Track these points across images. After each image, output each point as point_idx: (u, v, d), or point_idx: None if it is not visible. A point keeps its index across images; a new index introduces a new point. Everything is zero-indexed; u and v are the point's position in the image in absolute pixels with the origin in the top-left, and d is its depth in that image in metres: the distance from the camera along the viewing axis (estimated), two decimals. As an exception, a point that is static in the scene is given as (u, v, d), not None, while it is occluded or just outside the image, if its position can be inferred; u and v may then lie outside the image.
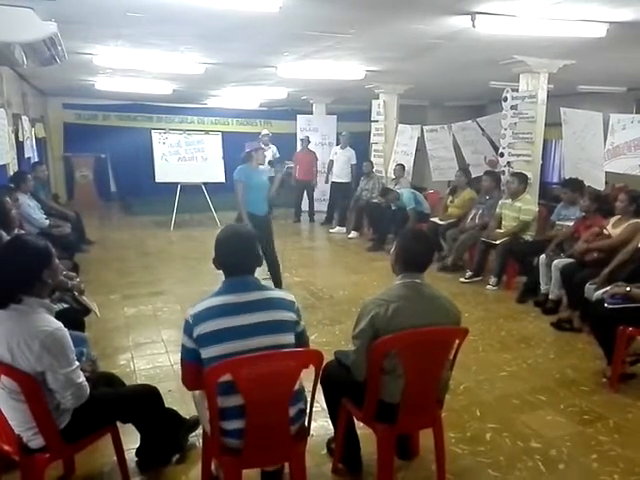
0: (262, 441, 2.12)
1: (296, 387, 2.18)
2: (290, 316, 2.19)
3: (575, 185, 5.45)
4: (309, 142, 10.26)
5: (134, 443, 2.67)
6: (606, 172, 5.71)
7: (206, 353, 2.06)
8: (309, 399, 2.25)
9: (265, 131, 10.36)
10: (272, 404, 2.08)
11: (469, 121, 7.91)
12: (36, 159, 8.34)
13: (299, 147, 10.49)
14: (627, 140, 5.37)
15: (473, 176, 7.50)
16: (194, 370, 2.11)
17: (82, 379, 2.15)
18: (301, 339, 2.25)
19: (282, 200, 8.57)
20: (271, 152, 10.00)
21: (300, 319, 2.26)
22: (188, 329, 2.11)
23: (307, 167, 10.07)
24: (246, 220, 5.15)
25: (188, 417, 2.86)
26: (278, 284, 5.38)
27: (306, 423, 2.27)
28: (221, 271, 2.22)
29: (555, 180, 10.18)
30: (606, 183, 7.35)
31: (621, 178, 6.20)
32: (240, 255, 2.18)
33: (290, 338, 2.17)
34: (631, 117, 5.54)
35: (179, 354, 3.83)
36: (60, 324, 2.11)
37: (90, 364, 2.50)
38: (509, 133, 6.44)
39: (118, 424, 2.46)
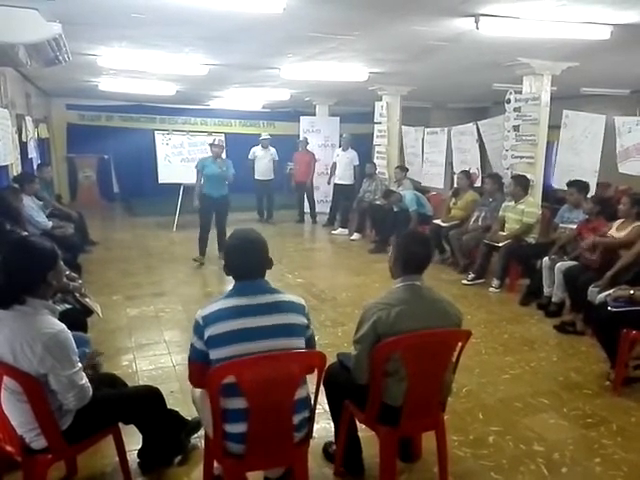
0: (265, 446, 2.11)
1: (303, 395, 2.17)
2: (301, 320, 2.18)
3: (581, 186, 5.43)
4: (307, 143, 10.26)
5: (136, 444, 2.67)
6: (620, 174, 5.71)
7: (216, 354, 2.05)
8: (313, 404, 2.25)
9: (265, 134, 10.36)
10: (275, 406, 2.07)
11: (470, 124, 7.86)
12: (39, 160, 8.36)
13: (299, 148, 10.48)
14: (635, 143, 5.38)
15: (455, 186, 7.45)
16: (202, 370, 2.09)
17: (85, 381, 2.15)
18: (310, 344, 2.25)
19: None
20: (270, 154, 10.00)
21: (310, 323, 2.26)
22: (198, 330, 2.10)
23: (305, 168, 10.07)
24: (196, 199, 6.98)
25: (190, 418, 2.85)
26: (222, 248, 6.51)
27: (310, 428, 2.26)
28: (231, 277, 2.21)
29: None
30: (609, 185, 7.36)
31: (629, 181, 6.19)
32: (250, 258, 2.17)
33: (301, 342, 2.17)
34: (636, 120, 5.55)
35: (181, 355, 3.84)
36: (63, 326, 2.10)
37: (92, 355, 2.50)
38: (512, 135, 6.43)
39: (120, 425, 2.46)
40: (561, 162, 6.38)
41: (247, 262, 2.17)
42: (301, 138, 10.36)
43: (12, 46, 4.16)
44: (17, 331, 2.02)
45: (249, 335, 2.05)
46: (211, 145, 7.15)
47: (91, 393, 2.17)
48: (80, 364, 2.15)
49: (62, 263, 2.30)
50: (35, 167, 7.81)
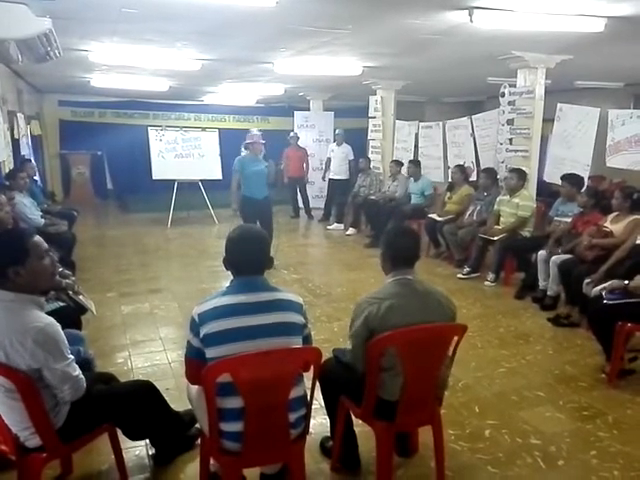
0: (261, 443, 2.10)
1: (300, 393, 2.16)
2: (299, 319, 2.17)
3: (573, 179, 5.44)
4: (298, 138, 10.24)
5: (132, 442, 2.65)
6: (608, 167, 5.72)
7: (212, 353, 2.03)
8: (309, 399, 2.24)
9: (255, 130, 10.30)
10: (271, 404, 2.05)
11: (464, 118, 7.84)
12: (31, 157, 8.30)
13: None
14: (628, 136, 5.39)
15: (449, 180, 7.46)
16: (198, 366, 2.06)
17: (78, 372, 2.13)
18: (307, 342, 2.23)
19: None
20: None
21: (307, 322, 2.24)
22: (195, 328, 2.08)
23: (297, 164, 10.04)
24: (235, 204, 6.24)
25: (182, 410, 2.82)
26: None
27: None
28: (229, 271, 2.19)
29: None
30: (604, 178, 7.37)
31: (622, 173, 6.21)
32: (251, 255, 2.15)
33: (298, 341, 2.15)
34: (629, 112, 5.55)
35: (177, 352, 3.82)
36: (51, 319, 2.08)
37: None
38: (506, 129, 6.43)
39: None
40: (553, 155, 6.38)
41: (247, 258, 2.14)
42: (292, 134, 10.32)
43: (2, 42, 4.13)
44: (5, 329, 2.00)
45: (246, 334, 2.03)
46: (249, 144, 6.38)
47: (85, 384, 2.16)
48: (72, 356, 2.13)
49: (52, 260, 2.27)
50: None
